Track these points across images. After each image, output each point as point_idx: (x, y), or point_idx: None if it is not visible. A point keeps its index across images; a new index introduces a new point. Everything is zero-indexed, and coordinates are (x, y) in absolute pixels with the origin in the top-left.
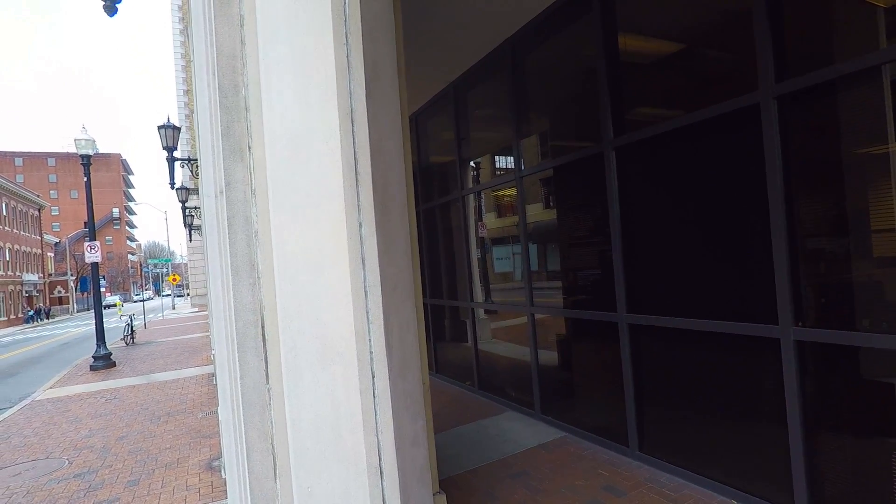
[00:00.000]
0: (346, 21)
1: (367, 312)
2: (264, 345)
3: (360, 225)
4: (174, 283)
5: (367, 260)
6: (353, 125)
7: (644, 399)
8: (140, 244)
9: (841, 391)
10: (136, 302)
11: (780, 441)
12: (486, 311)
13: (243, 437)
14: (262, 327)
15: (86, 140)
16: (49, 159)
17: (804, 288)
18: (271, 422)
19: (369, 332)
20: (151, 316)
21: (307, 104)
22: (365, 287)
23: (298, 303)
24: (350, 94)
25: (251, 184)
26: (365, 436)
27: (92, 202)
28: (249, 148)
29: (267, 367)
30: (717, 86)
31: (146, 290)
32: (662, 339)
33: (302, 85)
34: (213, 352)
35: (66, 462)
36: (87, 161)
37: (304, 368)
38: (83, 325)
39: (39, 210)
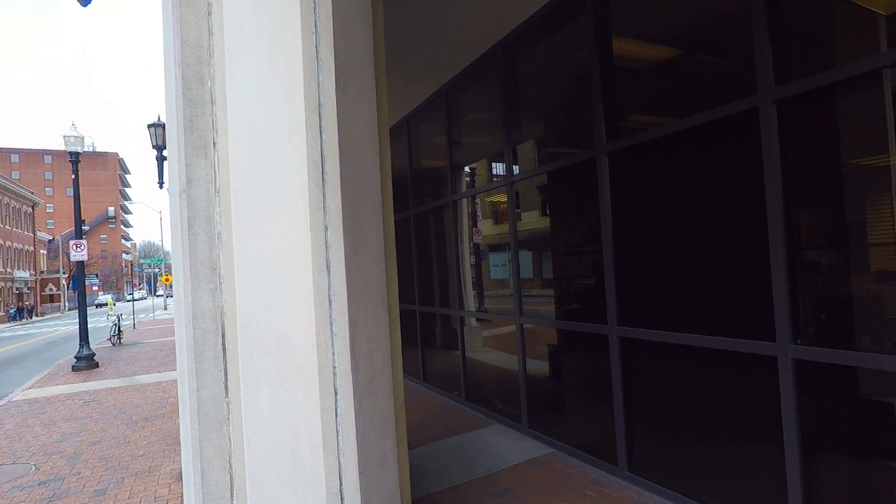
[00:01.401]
0: (315, 9)
1: (331, 323)
2: (224, 355)
3: (326, 228)
4: (167, 283)
5: (333, 266)
6: (320, 120)
7: (634, 416)
8: (135, 243)
9: (840, 412)
10: (128, 301)
11: (776, 463)
12: (477, 320)
13: (199, 453)
14: (223, 336)
15: (75, 136)
16: (46, 157)
17: (803, 303)
18: (229, 438)
19: (333, 344)
20: (142, 316)
21: (272, 97)
22: (329, 296)
23: (257, 311)
24: (319, 86)
25: (215, 182)
26: (325, 458)
27: (79, 200)
28: (214, 144)
29: (226, 379)
30: (713, 90)
31: (139, 289)
32: (654, 354)
33: (267, 76)
34: None
35: (33, 468)
36: (75, 158)
37: (261, 383)
38: (72, 323)
39: (33, 207)
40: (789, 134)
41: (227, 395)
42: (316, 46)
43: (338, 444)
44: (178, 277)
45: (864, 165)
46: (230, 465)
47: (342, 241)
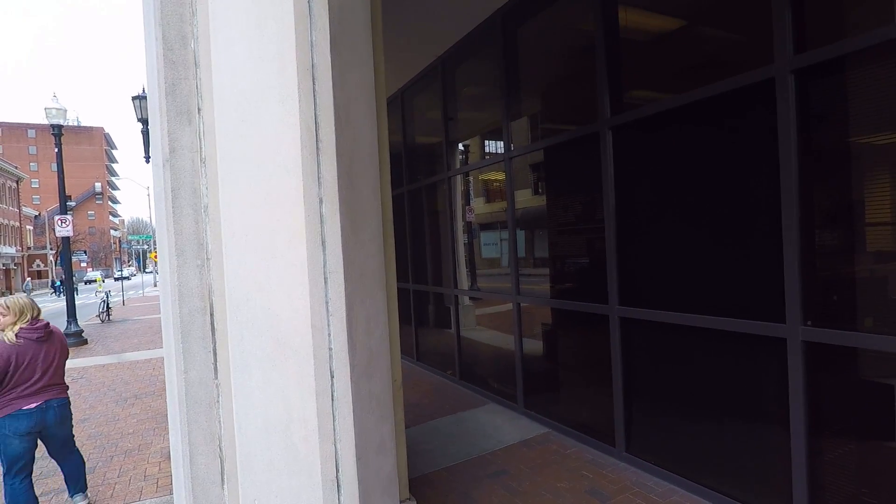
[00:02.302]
0: None
1: (327, 303)
2: (213, 335)
3: (321, 201)
4: (156, 260)
5: (329, 242)
6: (314, 83)
7: (633, 397)
8: (123, 220)
9: (851, 396)
10: (116, 280)
11: (781, 447)
12: (471, 299)
13: (187, 437)
14: (211, 315)
15: (57, 109)
16: (29, 131)
17: (815, 284)
18: (219, 422)
19: (329, 325)
20: (132, 293)
21: (260, 57)
22: (325, 273)
23: (247, 289)
24: (312, 45)
25: (200, 151)
26: (321, 444)
27: (63, 174)
28: (199, 110)
29: (216, 361)
30: (725, 59)
31: (128, 266)
32: (656, 335)
33: (255, 36)
34: None
35: None
36: (58, 131)
37: (252, 365)
38: (61, 299)
39: (17, 182)
40: (807, 106)
41: (216, 377)
42: (308, 2)
43: (334, 430)
44: (163, 254)
45: (886, 141)
46: (220, 450)
47: (338, 214)
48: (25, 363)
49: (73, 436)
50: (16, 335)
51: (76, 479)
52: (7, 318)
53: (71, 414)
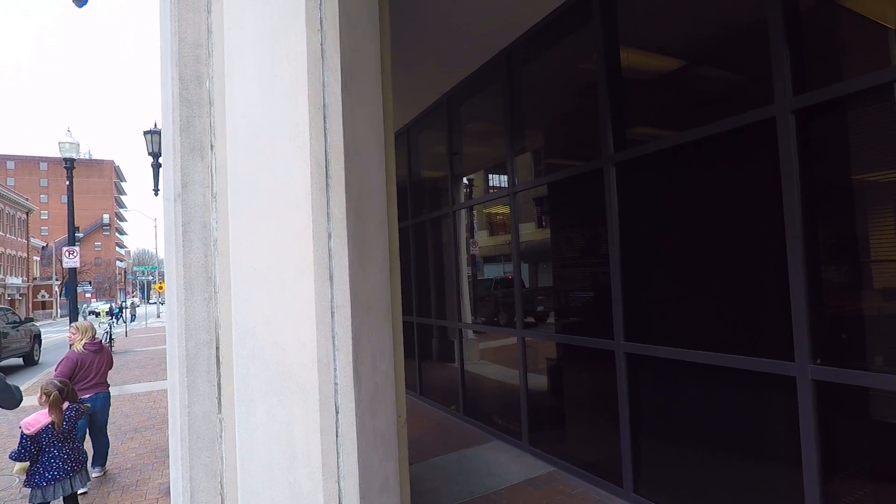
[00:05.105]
0: (321, 5)
1: (334, 337)
2: (218, 369)
3: (330, 236)
4: (160, 291)
5: (336, 276)
6: (325, 121)
7: (640, 435)
8: (129, 251)
9: (863, 435)
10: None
11: (794, 488)
12: (475, 332)
13: (188, 472)
14: (217, 349)
15: (70, 143)
16: (42, 163)
17: (823, 322)
18: (221, 458)
19: (335, 359)
20: (134, 324)
21: (273, 96)
22: (332, 307)
23: (254, 323)
24: (323, 85)
25: (212, 186)
26: (324, 482)
27: (73, 206)
28: (212, 146)
29: (220, 395)
30: (728, 99)
31: (132, 296)
32: (663, 371)
33: (268, 76)
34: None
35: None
36: (70, 164)
37: (257, 400)
38: (64, 330)
39: (27, 213)
40: (807, 145)
41: (219, 412)
42: (321, 44)
43: (338, 467)
44: (171, 286)
45: (888, 178)
46: (221, 487)
47: (346, 249)
48: (86, 366)
49: (107, 422)
50: (83, 346)
51: (101, 455)
52: (76, 335)
53: (110, 403)
